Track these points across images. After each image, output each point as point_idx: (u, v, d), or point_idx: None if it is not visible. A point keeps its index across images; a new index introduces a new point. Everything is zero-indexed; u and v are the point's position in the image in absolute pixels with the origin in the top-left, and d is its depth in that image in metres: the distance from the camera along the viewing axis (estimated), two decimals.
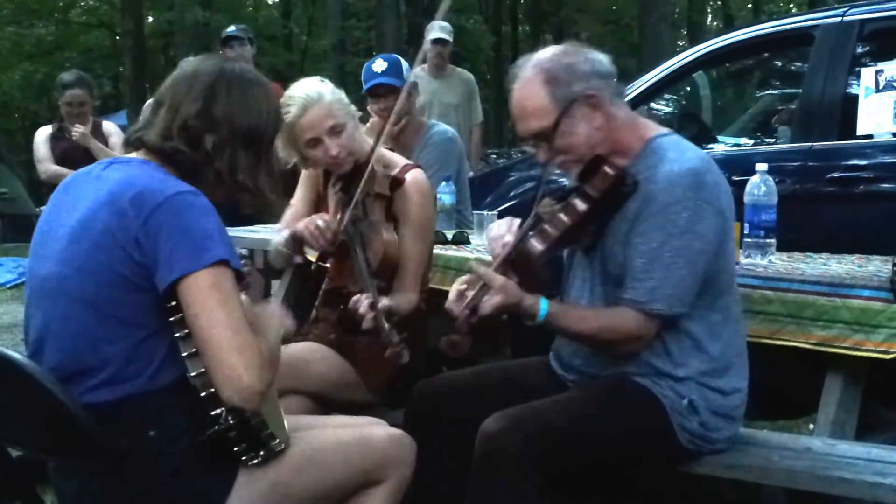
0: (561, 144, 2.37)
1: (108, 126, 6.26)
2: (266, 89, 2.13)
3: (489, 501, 2.23)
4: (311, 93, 2.85)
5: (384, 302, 2.64)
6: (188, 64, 2.11)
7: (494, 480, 2.22)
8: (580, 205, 2.34)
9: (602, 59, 2.40)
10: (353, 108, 2.97)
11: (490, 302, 2.30)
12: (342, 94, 2.93)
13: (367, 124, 4.12)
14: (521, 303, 2.32)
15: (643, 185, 2.32)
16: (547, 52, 2.41)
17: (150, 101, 2.17)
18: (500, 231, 2.48)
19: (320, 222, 2.90)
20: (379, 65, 4.11)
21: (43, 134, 6.16)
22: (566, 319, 2.38)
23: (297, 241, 3.05)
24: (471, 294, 2.33)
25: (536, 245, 2.34)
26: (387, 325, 2.55)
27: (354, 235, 2.82)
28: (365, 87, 4.16)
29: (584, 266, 2.50)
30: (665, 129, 2.47)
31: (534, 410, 2.32)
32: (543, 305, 2.33)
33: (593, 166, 2.36)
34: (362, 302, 2.63)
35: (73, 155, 5.83)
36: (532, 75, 2.37)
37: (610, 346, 2.40)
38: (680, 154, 2.34)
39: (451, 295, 2.37)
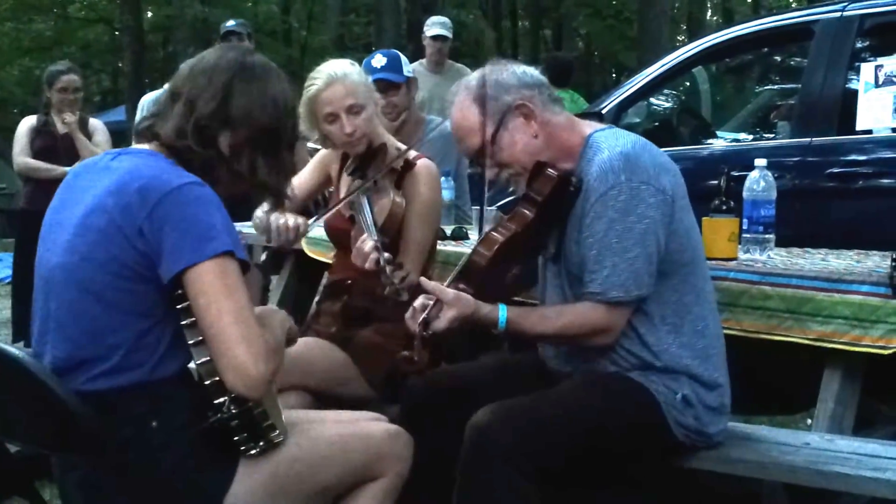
0: (502, 158, 2.42)
1: (94, 122, 6.18)
2: (284, 85, 2.12)
3: (477, 494, 2.24)
4: (338, 70, 2.96)
5: (387, 254, 2.66)
6: (209, 55, 2.08)
7: (483, 473, 2.22)
8: (526, 210, 2.38)
9: (528, 70, 2.48)
10: (377, 95, 3.08)
11: (443, 316, 2.30)
12: (369, 80, 3.06)
13: None
14: (476, 313, 2.32)
15: (584, 181, 2.34)
16: (475, 74, 2.49)
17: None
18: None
19: (291, 222, 2.96)
20: (378, 60, 4.10)
21: (25, 125, 6.04)
22: (528, 321, 2.38)
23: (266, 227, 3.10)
24: (425, 310, 2.32)
25: (484, 252, 2.36)
26: (388, 267, 2.57)
27: (363, 201, 2.86)
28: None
29: (555, 273, 2.51)
30: (603, 125, 2.50)
31: (524, 403, 2.33)
32: (503, 311, 2.34)
33: (537, 173, 2.39)
34: (366, 242, 2.67)
35: (53, 151, 5.81)
36: (463, 97, 2.44)
37: (577, 341, 2.41)
38: (613, 142, 2.36)
39: (408, 312, 2.37)
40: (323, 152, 3.28)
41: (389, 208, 2.89)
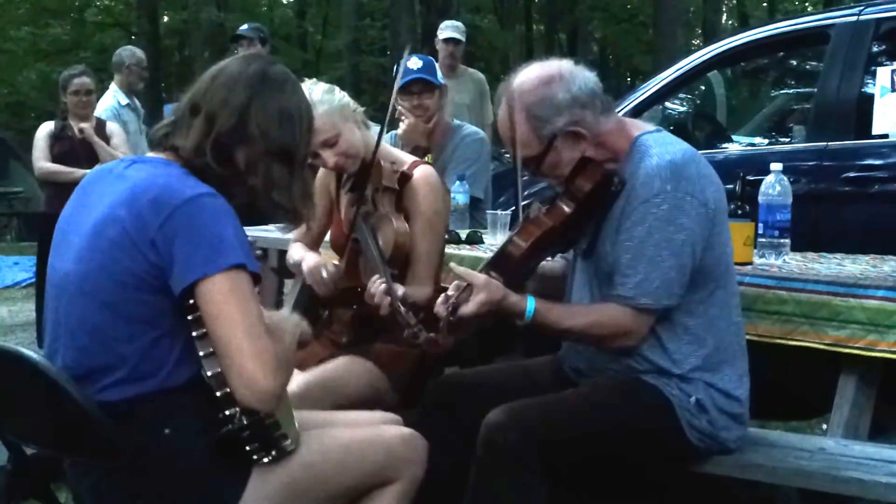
0: (544, 171, 2.42)
1: (112, 126, 6.24)
2: (303, 99, 2.10)
3: (487, 490, 2.24)
4: None
5: (400, 289, 2.61)
6: (231, 66, 2.05)
7: (493, 470, 2.23)
8: (564, 205, 2.37)
9: (581, 79, 2.37)
10: (350, 107, 2.91)
11: (473, 300, 2.29)
12: (334, 98, 2.87)
13: (403, 125, 4.13)
14: (504, 300, 2.31)
15: (628, 183, 2.33)
16: (527, 81, 2.39)
17: (175, 106, 2.10)
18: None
19: (325, 273, 2.89)
20: (414, 62, 4.14)
21: (44, 130, 6.09)
22: (554, 315, 2.37)
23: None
24: (454, 294, 2.32)
25: (520, 243, 2.36)
26: (403, 308, 2.50)
27: (366, 229, 2.81)
28: (401, 82, 4.14)
29: (584, 269, 2.51)
30: (652, 127, 2.48)
31: (537, 404, 2.34)
32: (531, 303, 2.33)
33: (580, 169, 2.38)
34: (377, 286, 2.61)
35: (72, 155, 5.86)
36: (516, 108, 2.38)
37: (600, 341, 2.40)
38: (662, 148, 2.34)
39: (440, 298, 2.37)
40: (319, 175, 3.18)
41: (394, 240, 2.80)
